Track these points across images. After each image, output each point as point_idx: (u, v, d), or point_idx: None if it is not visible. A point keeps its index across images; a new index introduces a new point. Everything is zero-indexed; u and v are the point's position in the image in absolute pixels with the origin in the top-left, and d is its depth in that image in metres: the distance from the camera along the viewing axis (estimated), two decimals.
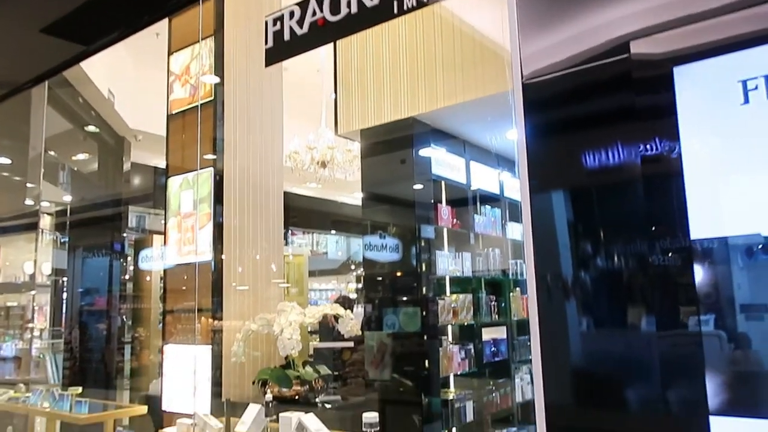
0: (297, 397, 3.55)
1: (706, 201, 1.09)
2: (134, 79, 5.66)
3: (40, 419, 4.40)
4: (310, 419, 2.72)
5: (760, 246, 1.04)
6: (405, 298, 4.02)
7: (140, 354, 6.07)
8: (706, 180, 1.10)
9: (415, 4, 1.89)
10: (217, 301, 3.80)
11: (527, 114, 1.34)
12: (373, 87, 3.96)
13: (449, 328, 4.41)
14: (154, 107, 4.47)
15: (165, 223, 4.04)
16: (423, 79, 3.74)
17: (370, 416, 2.51)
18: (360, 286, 10.16)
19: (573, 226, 1.29)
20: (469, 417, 4.19)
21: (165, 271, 4.19)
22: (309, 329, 4.81)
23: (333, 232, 10.44)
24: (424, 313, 3.93)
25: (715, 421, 1.04)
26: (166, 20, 4.01)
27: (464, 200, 4.65)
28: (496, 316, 4.68)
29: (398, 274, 4.09)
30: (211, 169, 3.83)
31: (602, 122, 1.27)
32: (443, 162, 4.36)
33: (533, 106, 1.33)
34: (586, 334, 1.26)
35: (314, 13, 2.08)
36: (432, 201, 4.23)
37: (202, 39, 3.88)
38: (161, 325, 4.61)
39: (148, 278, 6.30)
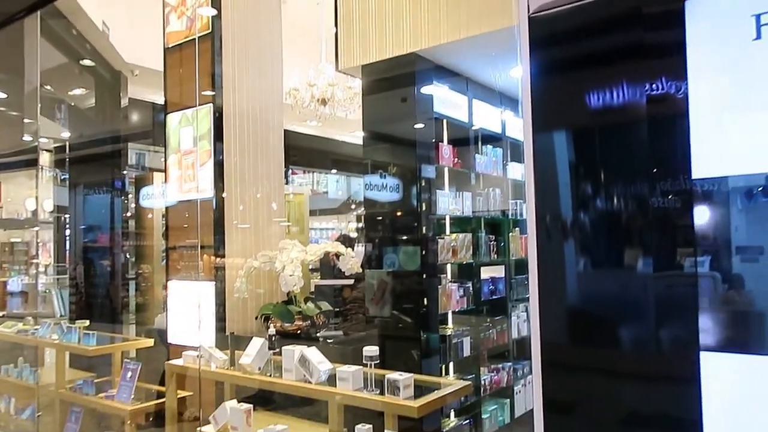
0: (299, 332, 3.65)
1: (710, 141, 1.08)
2: (128, 9, 5.48)
3: (49, 351, 4.54)
4: (313, 352, 2.80)
5: (760, 188, 1.04)
6: (405, 238, 4.05)
7: (144, 290, 6.19)
8: (711, 119, 1.08)
9: None
10: (219, 238, 3.84)
11: (533, 50, 1.30)
12: (375, 21, 3.85)
13: (448, 266, 4.47)
14: (150, 40, 4.36)
15: (165, 161, 4.03)
16: (426, 12, 3.63)
17: (371, 349, 2.59)
18: (360, 225, 10.24)
19: (575, 166, 1.29)
20: (466, 352, 4.31)
21: (167, 208, 4.21)
22: (310, 267, 4.89)
23: (333, 171, 10.41)
24: (423, 252, 3.97)
25: (705, 356, 1.07)
26: None
27: (466, 140, 4.61)
28: (495, 256, 4.74)
29: (398, 213, 4.11)
30: (211, 105, 3.78)
31: (609, 60, 1.24)
32: (445, 100, 4.30)
33: (539, 42, 1.30)
34: (584, 274, 1.27)
35: None
36: (433, 140, 4.20)
37: None
38: (164, 261, 4.68)
39: (149, 216, 6.35)
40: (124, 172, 6.22)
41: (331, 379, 2.70)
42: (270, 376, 2.94)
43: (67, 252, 6.40)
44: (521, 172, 5.14)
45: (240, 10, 4.00)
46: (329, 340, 3.63)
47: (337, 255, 3.88)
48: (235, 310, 3.83)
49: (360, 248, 5.31)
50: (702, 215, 1.09)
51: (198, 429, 3.16)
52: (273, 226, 4.22)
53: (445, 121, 4.42)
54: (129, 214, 6.33)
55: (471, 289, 4.48)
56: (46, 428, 4.17)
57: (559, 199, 1.28)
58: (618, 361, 1.23)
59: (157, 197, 6.19)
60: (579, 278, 1.28)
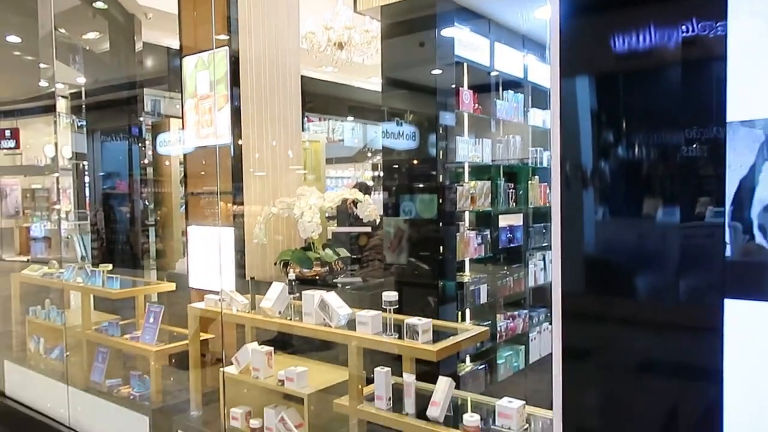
0: (317, 278, 3.69)
1: (746, 84, 1.04)
2: None
3: (74, 294, 4.66)
4: (332, 297, 2.84)
5: None
6: (422, 185, 4.03)
7: (164, 236, 6.28)
8: (748, 63, 1.04)
9: None
10: (237, 185, 3.85)
11: None
12: None
13: (467, 214, 4.46)
14: None
15: (182, 105, 3.99)
16: None
17: (390, 294, 2.61)
18: (377, 173, 10.18)
19: (603, 112, 1.25)
20: (483, 299, 4.35)
21: (185, 155, 4.21)
22: (327, 215, 4.90)
23: (349, 118, 10.27)
24: (440, 200, 3.96)
25: (729, 304, 1.08)
26: None
27: (486, 85, 4.50)
28: (513, 204, 4.71)
29: (415, 162, 4.07)
30: (226, 48, 3.71)
31: None
32: (467, 43, 4.17)
33: None
34: (610, 223, 1.26)
35: None
36: (453, 85, 4.10)
37: None
38: (183, 208, 4.71)
39: (167, 163, 6.36)
40: (141, 118, 6.20)
41: (350, 324, 2.75)
42: (290, 319, 2.99)
43: (87, 198, 6.47)
44: (543, 118, 5.03)
45: None
46: (347, 287, 3.68)
47: (355, 202, 3.88)
48: (254, 256, 3.88)
49: (377, 196, 5.30)
50: (729, 164, 1.07)
51: (220, 369, 3.26)
52: (289, 174, 4.21)
53: (465, 66, 4.32)
54: (147, 161, 6.35)
55: (489, 237, 4.48)
56: (74, 368, 4.33)
57: (585, 146, 1.25)
58: (639, 310, 1.23)
59: (174, 144, 6.19)
60: (604, 227, 1.26)
